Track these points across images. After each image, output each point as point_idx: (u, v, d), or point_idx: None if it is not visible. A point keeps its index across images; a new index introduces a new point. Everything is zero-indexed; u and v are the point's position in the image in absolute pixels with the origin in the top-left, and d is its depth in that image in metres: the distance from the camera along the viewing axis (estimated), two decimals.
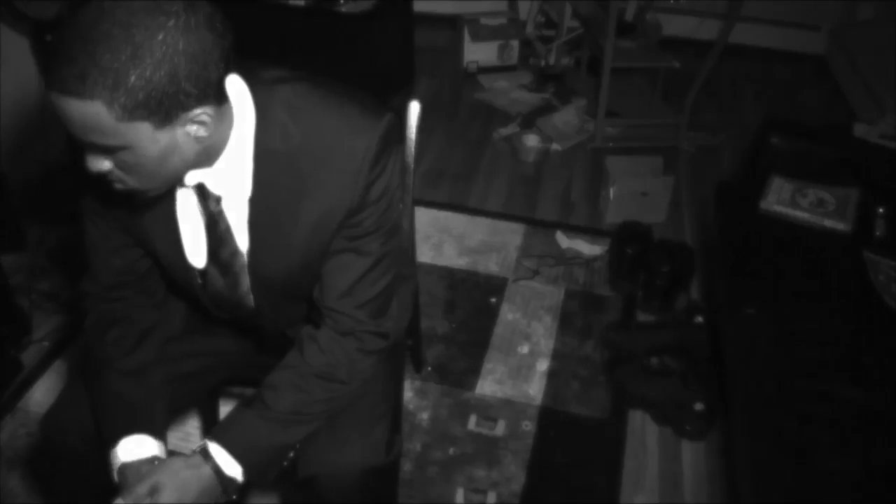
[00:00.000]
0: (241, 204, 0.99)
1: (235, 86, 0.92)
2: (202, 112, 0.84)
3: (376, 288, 1.06)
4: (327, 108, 0.97)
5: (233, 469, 1.02)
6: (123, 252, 1.09)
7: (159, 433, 1.09)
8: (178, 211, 1.02)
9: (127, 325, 1.12)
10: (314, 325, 1.10)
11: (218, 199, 0.98)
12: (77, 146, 0.86)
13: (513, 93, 3.34)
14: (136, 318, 1.13)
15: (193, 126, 0.85)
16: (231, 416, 1.07)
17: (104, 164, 0.85)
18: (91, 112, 0.77)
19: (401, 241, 1.23)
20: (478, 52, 3.46)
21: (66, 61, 0.75)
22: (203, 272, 1.07)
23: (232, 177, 0.95)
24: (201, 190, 0.97)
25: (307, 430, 1.07)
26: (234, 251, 1.03)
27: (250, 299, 1.10)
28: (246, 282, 1.07)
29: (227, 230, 1.01)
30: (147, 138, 0.81)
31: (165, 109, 0.80)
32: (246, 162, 0.95)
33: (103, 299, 1.12)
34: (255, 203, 0.98)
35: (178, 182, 0.94)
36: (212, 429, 1.07)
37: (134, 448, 1.04)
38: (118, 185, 0.88)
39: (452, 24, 3.58)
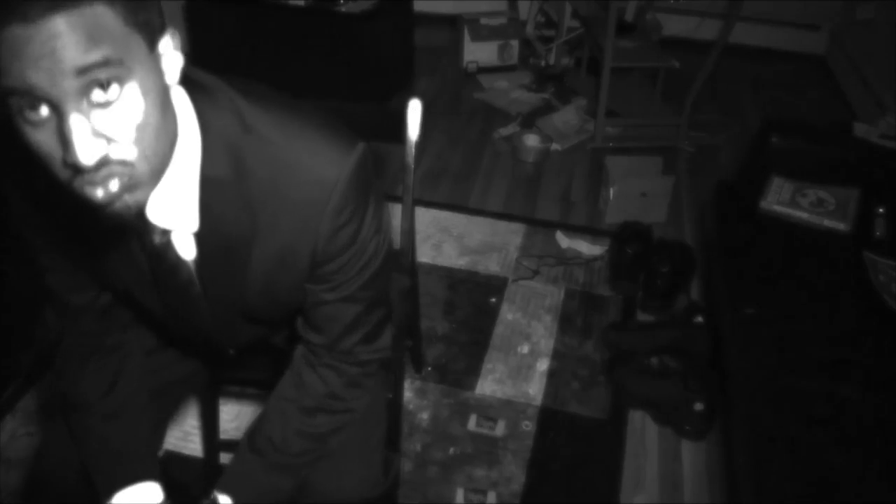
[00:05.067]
0: (188, 237, 0.88)
1: (175, 93, 0.78)
2: (170, 38, 0.73)
3: (370, 322, 0.99)
4: (288, 131, 0.83)
5: None
6: (84, 291, 1.00)
7: (153, 475, 1.04)
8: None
9: (100, 357, 1.04)
10: (307, 348, 1.02)
11: (164, 232, 0.86)
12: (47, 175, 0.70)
13: (513, 93, 3.34)
14: (107, 344, 1.06)
15: (170, 56, 0.73)
16: (238, 463, 1.02)
17: (101, 146, 0.68)
18: (92, 16, 0.64)
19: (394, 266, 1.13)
20: (478, 52, 3.46)
21: None
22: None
23: (175, 206, 0.83)
24: (141, 221, 0.84)
25: (314, 463, 1.04)
26: (189, 281, 0.92)
27: (212, 325, 1.02)
28: (205, 310, 0.97)
29: (178, 261, 0.90)
30: (145, 61, 0.69)
31: (151, 27, 0.70)
32: (190, 189, 0.82)
33: (70, 332, 1.04)
34: (203, 238, 0.87)
35: (160, 175, 0.76)
36: (220, 479, 1.02)
37: (133, 499, 1.01)
38: (116, 174, 0.70)
39: (452, 24, 3.58)
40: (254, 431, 1.02)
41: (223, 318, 0.99)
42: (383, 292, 0.99)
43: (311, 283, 0.92)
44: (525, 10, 3.70)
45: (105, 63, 0.65)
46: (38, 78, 0.63)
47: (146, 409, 1.08)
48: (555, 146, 2.97)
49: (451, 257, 2.37)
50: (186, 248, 0.89)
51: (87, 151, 0.66)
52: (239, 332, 1.04)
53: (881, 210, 1.86)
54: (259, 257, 0.87)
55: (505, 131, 3.07)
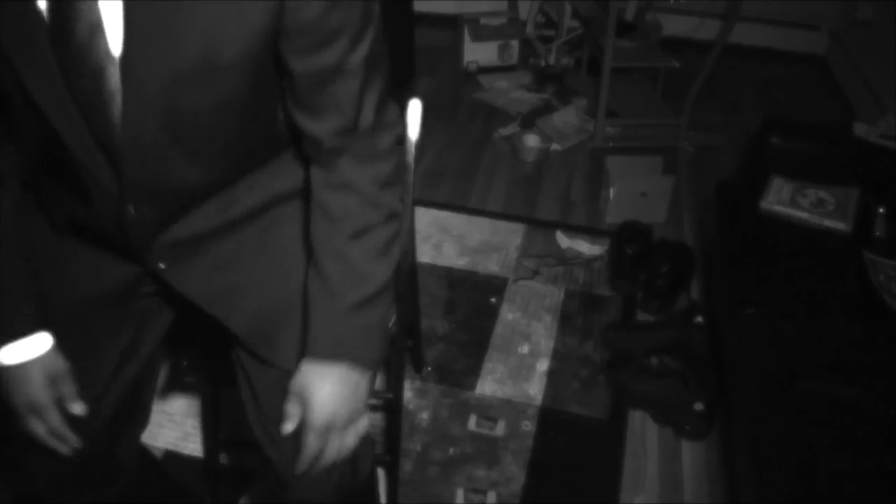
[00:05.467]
0: None
1: None
2: None
3: (373, 95, 0.87)
4: None
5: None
6: None
7: (39, 325, 0.92)
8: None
9: None
10: (319, 165, 0.90)
11: None
12: None
13: (513, 93, 3.34)
14: None
15: None
16: (320, 322, 0.89)
17: None
18: None
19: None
20: (478, 52, 3.46)
21: None
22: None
23: None
24: None
25: (392, 288, 0.95)
26: (103, 53, 0.71)
27: (123, 139, 0.77)
28: (117, 104, 0.74)
29: (89, 14, 0.69)
30: None
31: None
32: None
33: None
34: None
35: None
36: (308, 348, 0.89)
37: (18, 353, 0.91)
38: None
39: (452, 24, 3.58)
40: (318, 288, 0.90)
41: (139, 125, 0.76)
42: (385, 64, 0.90)
43: (306, 52, 0.80)
44: (525, 10, 3.69)
45: None
46: None
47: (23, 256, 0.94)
48: (555, 146, 2.97)
49: (451, 257, 2.37)
50: (107, 9, 0.69)
51: None
52: (156, 167, 0.81)
53: (881, 210, 1.86)
54: (202, 6, 0.70)
55: (505, 131, 3.07)
